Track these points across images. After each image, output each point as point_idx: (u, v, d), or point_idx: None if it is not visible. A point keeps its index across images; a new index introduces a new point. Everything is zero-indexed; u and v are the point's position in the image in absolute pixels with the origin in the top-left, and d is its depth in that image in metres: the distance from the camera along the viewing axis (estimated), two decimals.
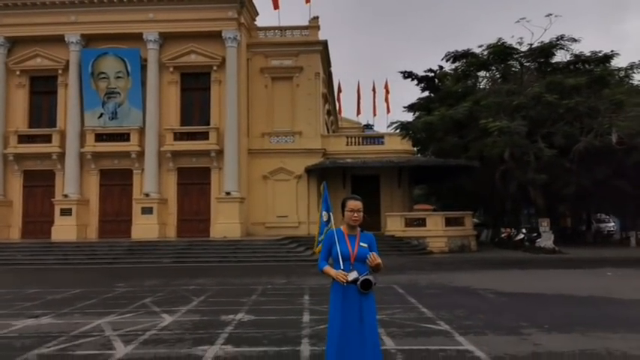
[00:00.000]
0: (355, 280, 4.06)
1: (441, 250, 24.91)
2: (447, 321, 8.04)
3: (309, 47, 28.28)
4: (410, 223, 25.95)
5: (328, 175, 28.28)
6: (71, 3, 26.77)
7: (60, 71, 27.51)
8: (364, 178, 28.49)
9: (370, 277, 4.10)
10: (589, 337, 6.96)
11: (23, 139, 27.32)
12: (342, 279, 4.01)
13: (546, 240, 24.82)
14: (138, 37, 26.61)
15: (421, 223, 25.95)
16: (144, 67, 26.75)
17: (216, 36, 26.48)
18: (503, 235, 32.54)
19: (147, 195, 26.19)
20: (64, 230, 25.78)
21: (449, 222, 25.93)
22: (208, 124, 27.02)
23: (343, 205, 4.32)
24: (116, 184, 27.34)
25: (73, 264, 20.90)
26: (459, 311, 8.99)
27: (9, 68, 27.43)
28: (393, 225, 25.75)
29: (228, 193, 25.65)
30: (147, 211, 26.01)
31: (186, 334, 7.15)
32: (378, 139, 29.60)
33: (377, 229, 27.32)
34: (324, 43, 28.73)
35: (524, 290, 11.76)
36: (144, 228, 25.54)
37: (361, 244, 4.25)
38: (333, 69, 34.16)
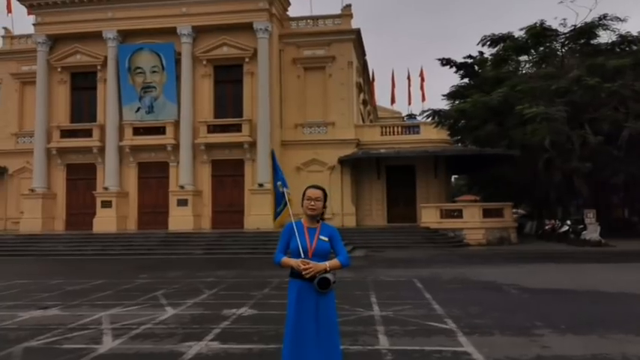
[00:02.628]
0: (311, 278, 3.77)
1: (479, 242, 24.06)
2: (456, 319, 7.59)
3: (342, 36, 27.83)
4: (446, 214, 25.18)
5: (362, 166, 27.96)
6: (108, 0, 27.38)
7: (99, 67, 28.29)
8: (399, 168, 27.90)
9: (329, 275, 3.79)
10: (607, 339, 6.37)
11: (65, 133, 28.30)
12: (304, 268, 3.69)
13: (592, 232, 23.48)
14: (172, 32, 26.96)
15: (457, 214, 25.16)
16: (178, 61, 27.11)
17: (247, 28, 26.45)
18: (547, 227, 31.13)
19: (182, 187, 26.61)
20: (104, 222, 26.60)
21: (487, 213, 24.98)
22: (241, 116, 27.12)
23: (303, 195, 4.00)
24: (153, 177, 27.91)
25: (109, 255, 21.46)
26: (472, 308, 8.50)
27: (51, 65, 28.41)
28: (428, 216, 25.06)
29: (261, 185, 25.67)
30: (182, 203, 26.44)
31: (180, 328, 7.05)
32: (414, 128, 28.86)
33: (412, 220, 26.78)
34: (357, 32, 28.20)
35: (552, 286, 11.06)
36: (179, 220, 25.98)
37: (321, 237, 3.93)
38: (368, 58, 33.51)
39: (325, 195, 4.07)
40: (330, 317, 3.87)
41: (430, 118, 25.07)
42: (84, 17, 27.59)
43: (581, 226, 25.86)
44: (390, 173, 28.06)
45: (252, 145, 26.48)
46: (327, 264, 3.83)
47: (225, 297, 9.83)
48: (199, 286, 11.34)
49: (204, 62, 27.31)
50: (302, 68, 27.95)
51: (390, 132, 28.62)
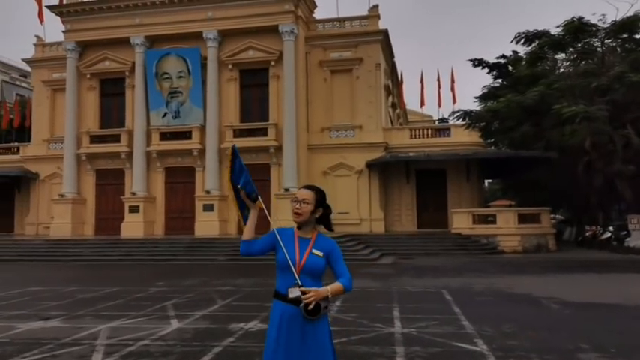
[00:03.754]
0: (297, 300, 3.07)
1: (514, 249, 22.85)
2: (488, 339, 6.76)
3: (369, 37, 27.10)
4: (478, 220, 24.06)
5: (391, 171, 27.11)
6: (135, 6, 27.46)
7: (127, 73, 28.36)
8: (429, 172, 26.92)
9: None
10: None
11: (95, 139, 28.45)
12: (306, 297, 2.93)
13: (636, 239, 22.03)
14: (198, 36, 26.79)
15: (491, 220, 23.99)
16: (204, 66, 26.91)
17: (273, 30, 26.04)
18: (587, 234, 29.51)
19: (208, 192, 26.33)
20: (132, 227, 26.54)
21: (523, 219, 23.72)
22: (267, 120, 26.69)
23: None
24: (180, 182, 27.75)
25: (134, 260, 21.24)
26: (506, 326, 7.63)
27: (80, 72, 28.65)
28: (460, 222, 24.00)
29: (286, 190, 25.12)
30: (208, 208, 26.14)
31: (178, 346, 6.46)
32: (444, 131, 27.83)
33: (443, 226, 25.76)
34: (385, 33, 27.42)
35: (597, 299, 10.04)
36: (205, 225, 25.68)
37: (314, 251, 3.18)
38: (397, 60, 32.65)
39: (320, 197, 3.31)
40: (322, 350, 3.13)
41: (461, 120, 23.98)
42: (112, 24, 27.74)
43: (625, 232, 24.34)
44: (419, 177, 27.10)
45: (278, 149, 25.99)
46: (328, 289, 3.08)
47: (236, 308, 9.23)
48: (213, 295, 10.78)
49: (230, 66, 27.03)
50: (329, 71, 27.34)
51: (419, 135, 27.67)
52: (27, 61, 31.52)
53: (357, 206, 26.34)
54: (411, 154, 26.18)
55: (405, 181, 27.02)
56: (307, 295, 2.97)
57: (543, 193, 32.90)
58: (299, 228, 3.28)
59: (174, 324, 7.81)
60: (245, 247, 3.30)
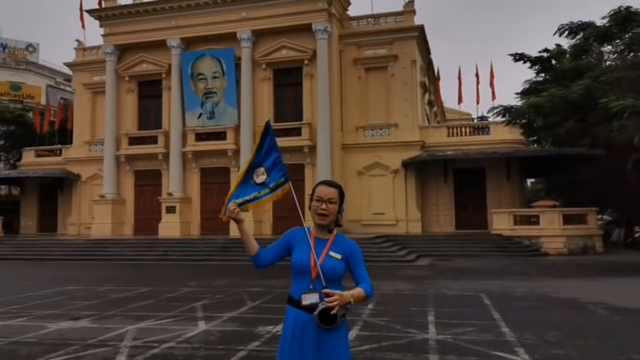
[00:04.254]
0: (311, 308, 2.78)
1: (558, 251, 21.87)
2: (529, 348, 6.29)
3: (404, 34, 26.53)
4: (520, 220, 23.17)
5: (428, 170, 26.47)
6: (171, 8, 27.79)
7: (163, 75, 28.74)
8: (468, 171, 26.12)
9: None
10: None
11: (133, 140, 28.96)
12: (330, 300, 2.65)
13: None
14: (232, 37, 26.86)
15: (534, 220, 23.06)
16: (238, 66, 26.97)
17: (307, 29, 25.84)
18: (637, 235, 28.04)
19: None
20: (169, 227, 26.85)
21: (568, 219, 22.69)
22: (301, 119, 26.51)
23: (312, 193, 3.00)
24: (215, 182, 27.85)
25: (170, 260, 21.44)
26: (550, 334, 7.12)
27: (119, 75, 29.22)
28: (501, 223, 23.15)
29: None
30: (243, 208, 26.08)
31: (202, 349, 6.27)
32: (483, 128, 26.94)
33: (482, 227, 24.96)
34: (420, 29, 26.79)
35: None
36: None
37: (331, 253, 2.90)
38: (434, 56, 31.92)
39: (342, 196, 3.01)
40: (339, 358, 2.83)
41: (501, 117, 23.11)
42: (149, 26, 28.14)
43: None
44: (457, 177, 26.34)
45: (312, 149, 25.77)
46: (351, 294, 2.80)
47: (265, 310, 9.02)
48: (244, 296, 10.61)
49: (264, 66, 27.00)
50: (363, 69, 26.93)
51: (457, 133, 26.89)
52: (68, 64, 32.41)
53: (392, 206, 25.83)
54: (448, 153, 25.48)
55: (443, 180, 26.32)
56: (331, 299, 2.68)
57: (589, 192, 31.43)
58: (320, 227, 2.98)
59: (202, 326, 7.66)
60: (256, 262, 3.03)
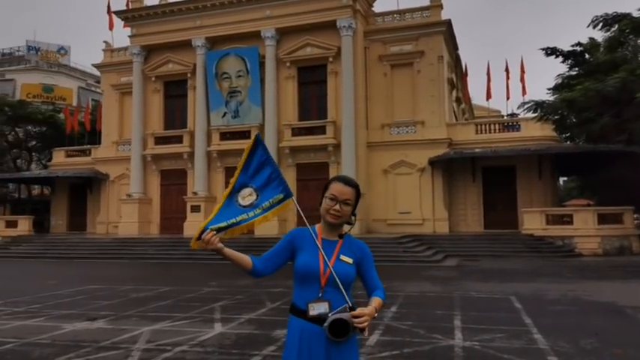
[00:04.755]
0: (320, 319, 2.48)
1: (593, 252, 21.03)
2: (564, 357, 5.85)
3: (431, 29, 25.95)
4: (553, 220, 22.38)
5: (455, 168, 25.85)
6: (196, 8, 27.85)
7: (188, 75, 28.83)
8: (497, 169, 25.38)
9: (347, 317, 2.45)
10: None
11: (159, 140, 29.14)
12: (359, 321, 2.36)
13: None
14: (256, 35, 26.73)
15: (567, 220, 22.25)
16: (262, 65, 26.84)
17: (331, 26, 25.52)
18: None
19: None
20: (194, 226, 26.83)
21: (603, 219, 21.80)
22: (326, 117, 26.21)
23: (325, 189, 2.67)
24: None
25: (194, 259, 21.39)
26: (586, 341, 6.64)
27: (146, 75, 29.44)
28: (532, 222, 22.40)
29: None
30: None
31: (215, 354, 6.03)
32: (514, 125, 26.15)
33: (513, 227, 24.23)
34: (448, 23, 26.16)
35: None
36: (264, 224, 25.31)
37: (342, 257, 2.59)
38: (461, 52, 31.18)
39: (359, 196, 2.68)
40: None
41: (532, 112, 22.31)
42: (174, 27, 28.26)
43: None
44: (486, 175, 25.62)
45: (337, 147, 25.44)
46: (374, 307, 2.49)
47: (284, 312, 8.69)
48: (263, 297, 10.38)
49: (288, 64, 26.80)
50: (388, 65, 26.45)
51: (486, 130, 26.17)
52: (96, 66, 32.88)
53: (419, 205, 25.29)
54: (476, 150, 24.80)
55: (471, 178, 25.64)
56: (361, 320, 2.39)
57: (625, 191, 30.20)
58: (329, 227, 2.66)
59: (218, 328, 7.43)
60: (254, 276, 2.69)
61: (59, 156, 34.06)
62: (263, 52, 26.79)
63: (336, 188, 2.60)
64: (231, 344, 6.49)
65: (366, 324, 2.39)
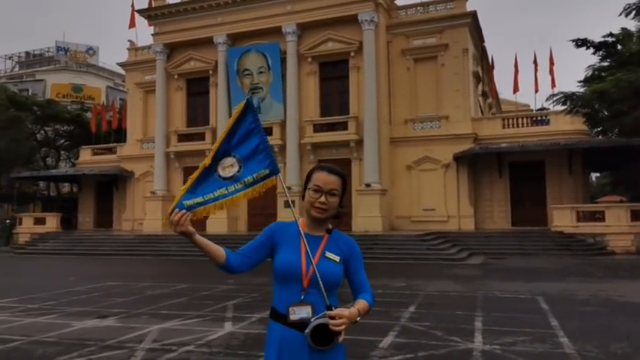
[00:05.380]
0: (303, 324, 2.19)
1: (626, 250, 20.19)
2: None
3: (455, 21, 25.28)
4: (584, 217, 21.57)
5: (481, 163, 25.18)
6: (217, 5, 27.81)
7: (210, 72, 28.84)
8: (525, 165, 24.60)
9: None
10: None
11: (182, 137, 29.25)
12: (336, 323, 2.08)
13: None
14: (277, 31, 26.55)
15: (599, 217, 21.41)
16: (283, 60, 26.63)
17: (352, 20, 25.12)
18: None
19: (289, 188, 25.99)
20: (216, 223, 26.74)
21: (636, 216, 20.91)
22: (347, 113, 25.85)
23: (307, 180, 2.37)
24: None
25: None
26: (617, 345, 6.18)
27: (168, 73, 29.58)
28: (562, 219, 21.63)
29: (368, 185, 24.16)
30: (288, 204, 25.80)
31: (221, 354, 5.80)
32: (542, 119, 25.29)
33: (541, 224, 23.48)
34: (473, 15, 25.46)
35: None
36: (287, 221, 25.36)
37: (327, 254, 2.29)
38: (489, 46, 30.35)
39: (345, 186, 2.38)
40: None
41: (561, 105, 21.49)
42: (196, 24, 28.30)
43: None
44: (513, 170, 24.86)
45: (359, 143, 25.06)
46: (357, 310, 2.20)
47: None
48: None
49: (309, 59, 26.52)
50: (412, 59, 25.92)
51: (513, 124, 25.39)
52: (121, 64, 33.22)
53: (443, 202, 24.73)
54: (503, 145, 24.08)
55: (498, 174, 24.93)
56: (337, 322, 2.09)
57: None
58: (314, 222, 2.36)
59: (227, 327, 7.22)
60: (227, 271, 2.34)
61: (86, 154, 34.56)
62: (284, 47, 26.58)
63: (319, 178, 2.30)
64: (239, 344, 6.26)
65: (342, 327, 2.09)
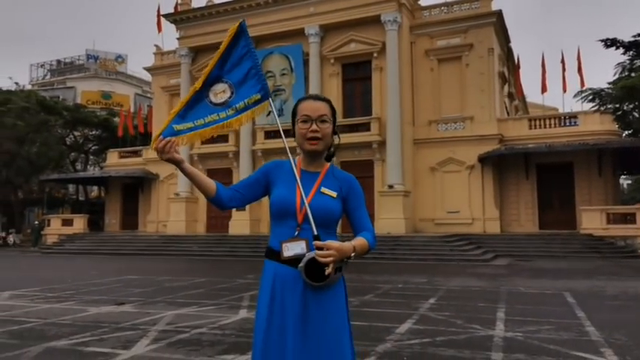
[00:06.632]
0: (295, 259, 2.06)
1: None
2: (619, 349, 5.14)
3: (480, 20, 24.92)
4: (614, 219, 20.90)
5: (507, 165, 24.66)
6: (241, 8, 28.08)
7: None
8: (553, 166, 23.97)
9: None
10: None
11: (205, 139, 29.41)
12: (324, 254, 1.94)
13: None
14: (300, 33, 26.61)
15: (630, 219, 20.71)
16: (306, 62, 26.65)
17: (375, 21, 25.01)
18: None
19: None
20: (239, 225, 26.97)
21: None
22: (370, 114, 25.68)
23: (294, 115, 2.26)
24: None
25: (237, 256, 21.40)
26: None
27: (193, 76, 29.74)
28: (591, 222, 20.99)
29: (390, 187, 23.89)
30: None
31: (232, 336, 5.70)
32: (570, 119, 24.62)
33: (570, 226, 22.83)
34: (498, 14, 25.07)
35: None
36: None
37: (323, 189, 2.17)
38: (516, 46, 29.83)
39: (334, 112, 2.27)
40: (333, 329, 2.09)
41: (589, 102, 20.92)
42: (220, 27, 28.45)
43: None
44: (541, 172, 24.25)
45: (382, 144, 24.83)
46: (352, 244, 2.06)
47: None
48: None
49: (332, 61, 26.48)
50: (435, 60, 25.64)
51: (540, 125, 24.78)
52: (147, 69, 33.76)
53: (468, 204, 24.28)
54: (529, 146, 23.54)
55: (524, 176, 24.36)
56: (324, 253, 1.95)
57: None
58: (310, 157, 2.24)
59: (242, 314, 7.12)
60: (218, 204, 2.22)
61: (113, 157, 35.15)
62: (307, 49, 26.61)
63: (306, 107, 2.20)
64: (251, 328, 6.14)
65: (330, 259, 1.95)
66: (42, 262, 19.04)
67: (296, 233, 2.10)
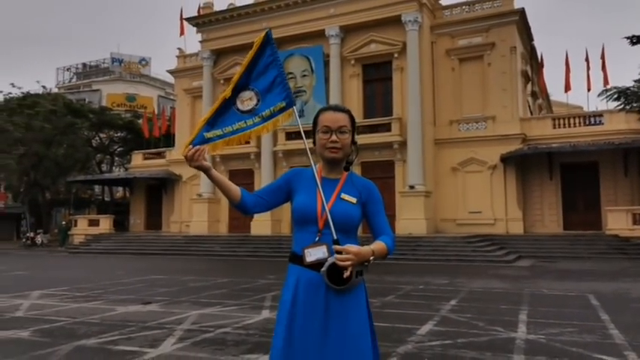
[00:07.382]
0: (318, 264, 2.15)
1: None
2: None
3: (502, 19, 24.68)
4: None
5: (530, 165, 24.38)
6: (262, 10, 28.31)
7: None
8: (578, 166, 23.60)
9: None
10: None
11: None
12: (342, 258, 2.03)
13: None
14: (320, 34, 26.70)
15: None
16: (327, 63, 26.74)
17: (396, 21, 24.96)
18: None
19: None
20: (261, 225, 27.18)
21: None
22: (391, 115, 25.64)
23: (315, 124, 2.36)
24: None
25: (259, 256, 21.61)
26: None
27: (215, 78, 30.16)
28: (617, 222, 20.63)
29: (411, 187, 23.81)
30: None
31: (256, 336, 5.82)
32: (595, 118, 24.21)
33: (595, 227, 22.45)
34: (521, 12, 24.78)
35: None
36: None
37: (343, 195, 2.26)
38: (538, 43, 29.44)
39: (354, 122, 2.36)
40: (354, 333, 2.17)
41: (614, 100, 20.54)
42: (241, 30, 28.81)
43: None
44: (565, 172, 23.90)
45: (403, 144, 24.77)
46: (370, 249, 2.14)
47: None
48: None
49: (353, 62, 26.52)
50: (457, 60, 25.47)
51: (564, 124, 24.42)
52: (170, 72, 34.28)
53: (490, 205, 24.06)
54: (553, 146, 23.22)
55: (548, 176, 24.04)
56: (342, 257, 2.04)
57: None
58: (330, 165, 2.34)
59: (265, 314, 7.24)
60: (242, 210, 2.32)
61: (137, 159, 35.77)
62: (327, 50, 26.69)
63: (326, 118, 2.29)
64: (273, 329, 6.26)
65: (348, 263, 2.03)
66: (69, 262, 19.52)
67: (317, 238, 2.19)
